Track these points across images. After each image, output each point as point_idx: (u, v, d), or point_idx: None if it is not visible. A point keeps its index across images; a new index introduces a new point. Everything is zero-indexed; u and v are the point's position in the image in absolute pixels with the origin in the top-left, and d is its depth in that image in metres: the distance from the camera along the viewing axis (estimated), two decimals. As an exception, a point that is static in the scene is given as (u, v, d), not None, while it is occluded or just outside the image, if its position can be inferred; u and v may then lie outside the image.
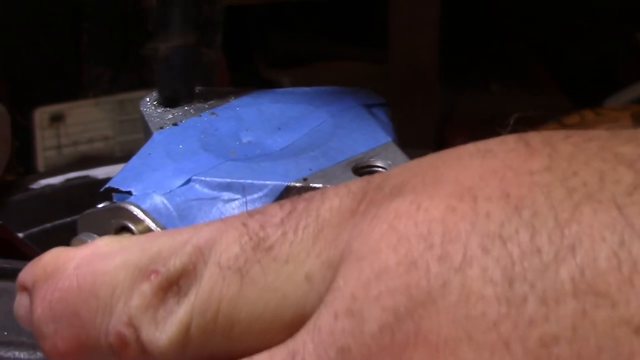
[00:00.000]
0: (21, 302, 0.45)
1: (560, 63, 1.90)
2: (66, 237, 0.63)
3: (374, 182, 0.40)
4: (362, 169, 0.52)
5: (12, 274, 0.65)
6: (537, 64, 1.91)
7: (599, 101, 1.71)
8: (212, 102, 0.61)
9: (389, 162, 0.52)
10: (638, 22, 1.82)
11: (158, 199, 0.50)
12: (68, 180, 0.82)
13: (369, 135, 0.55)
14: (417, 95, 1.69)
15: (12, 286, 0.64)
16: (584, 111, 1.52)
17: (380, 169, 0.52)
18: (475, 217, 0.35)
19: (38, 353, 0.60)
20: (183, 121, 0.58)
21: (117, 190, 0.52)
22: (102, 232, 0.49)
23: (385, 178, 0.39)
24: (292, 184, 0.51)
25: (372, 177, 0.40)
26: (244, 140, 0.56)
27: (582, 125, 1.50)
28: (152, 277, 0.41)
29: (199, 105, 0.60)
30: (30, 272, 0.45)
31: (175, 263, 0.41)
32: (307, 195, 0.41)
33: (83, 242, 0.47)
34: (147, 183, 0.52)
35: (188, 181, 0.52)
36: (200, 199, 0.51)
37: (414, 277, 0.35)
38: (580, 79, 1.85)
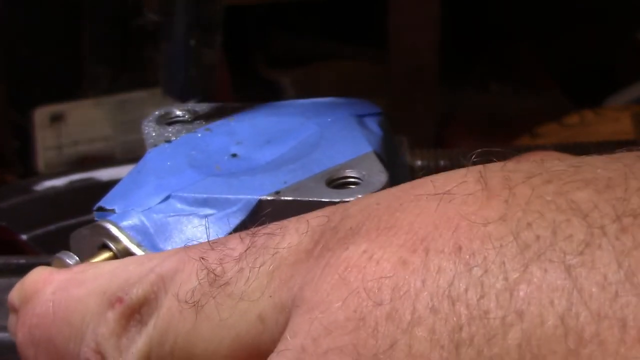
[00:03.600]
0: (11, 321, 0.47)
1: (560, 63, 1.90)
2: (69, 239, 0.62)
3: (333, 220, 0.39)
4: (336, 181, 0.52)
5: (30, 270, 0.65)
6: (537, 64, 1.91)
7: (599, 101, 1.71)
8: (210, 118, 0.62)
9: (364, 173, 0.52)
10: (638, 22, 1.82)
11: (136, 217, 0.51)
12: (71, 182, 0.82)
13: (350, 145, 0.55)
14: (417, 95, 1.69)
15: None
16: (584, 111, 1.52)
17: (353, 180, 0.52)
18: (426, 273, 0.34)
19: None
20: (177, 138, 0.59)
21: (103, 209, 0.53)
22: (86, 250, 0.50)
23: (343, 217, 0.39)
24: (265, 197, 0.51)
25: (333, 212, 0.40)
26: (232, 155, 0.57)
27: (582, 125, 1.50)
28: (116, 305, 0.42)
29: (197, 122, 0.61)
30: (15, 294, 0.46)
31: (138, 291, 0.42)
32: (270, 227, 0.41)
33: (62, 261, 0.48)
34: (130, 200, 0.53)
35: (167, 198, 0.52)
36: (177, 215, 0.52)
37: (362, 336, 0.34)
38: (580, 79, 1.85)
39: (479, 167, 0.38)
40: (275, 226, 0.41)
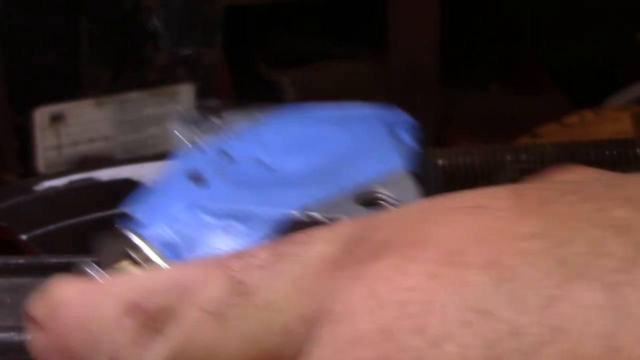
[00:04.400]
0: (34, 337, 0.46)
1: (560, 63, 1.90)
2: (70, 239, 0.63)
3: (362, 230, 0.38)
4: (366, 196, 0.51)
5: (30, 270, 0.65)
6: (537, 64, 1.91)
7: (599, 101, 1.71)
8: (238, 122, 0.61)
9: (394, 190, 0.51)
10: (638, 22, 1.82)
11: (160, 226, 0.51)
12: (71, 182, 0.82)
13: (383, 159, 0.54)
14: (417, 95, 1.69)
15: (29, 282, 0.64)
16: (584, 111, 1.52)
17: (385, 197, 0.51)
18: (458, 287, 0.33)
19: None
20: (204, 142, 0.59)
21: (127, 217, 0.53)
22: (108, 259, 0.50)
23: (374, 228, 0.38)
24: (292, 212, 0.50)
25: (362, 222, 0.39)
26: (261, 164, 0.56)
27: (582, 125, 1.50)
28: (134, 313, 0.41)
29: (224, 127, 0.60)
30: (37, 306, 0.45)
31: (157, 300, 0.41)
32: (296, 237, 0.40)
33: (83, 271, 0.48)
34: (154, 210, 0.52)
35: (192, 208, 0.52)
36: (202, 226, 0.51)
37: (390, 349, 0.33)
38: (580, 79, 1.85)
39: (514, 185, 0.37)
40: (302, 235, 0.40)
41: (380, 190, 0.51)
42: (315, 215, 0.50)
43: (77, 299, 0.44)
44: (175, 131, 0.60)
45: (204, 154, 0.57)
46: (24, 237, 0.74)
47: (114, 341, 0.41)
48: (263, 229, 0.50)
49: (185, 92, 1.27)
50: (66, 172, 0.85)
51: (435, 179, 0.61)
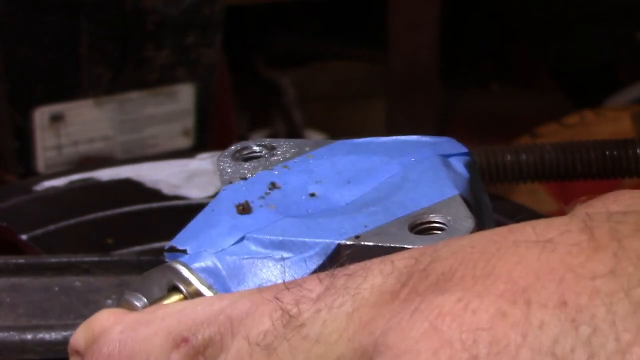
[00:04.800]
0: None
1: (561, 63, 1.90)
2: (70, 239, 0.62)
3: (422, 262, 0.36)
4: (419, 226, 0.49)
5: (29, 270, 0.65)
6: (537, 64, 1.91)
7: (599, 101, 1.71)
8: (288, 154, 0.59)
9: (449, 218, 0.49)
10: (638, 22, 1.82)
11: (208, 259, 0.49)
12: (71, 182, 0.81)
13: (435, 188, 0.52)
14: (417, 95, 1.69)
15: (29, 281, 0.64)
16: (584, 111, 1.52)
17: (439, 226, 0.49)
18: (528, 327, 0.31)
19: (63, 333, 0.60)
20: (253, 175, 0.57)
21: (175, 249, 0.51)
22: (156, 292, 0.49)
23: (433, 260, 0.36)
24: (344, 242, 0.48)
25: (421, 254, 0.37)
26: (311, 194, 0.55)
27: (582, 125, 1.50)
28: (181, 346, 0.41)
29: (274, 159, 0.59)
30: (81, 336, 0.45)
31: (205, 333, 0.40)
32: (351, 268, 0.39)
33: (130, 303, 0.47)
34: (202, 241, 0.51)
35: (242, 239, 0.50)
36: (251, 257, 0.50)
37: None
38: (580, 79, 1.85)
39: (583, 214, 0.35)
40: (357, 267, 0.39)
41: (433, 217, 0.49)
42: (368, 244, 0.48)
43: (123, 331, 0.43)
44: (222, 165, 0.59)
45: (253, 186, 0.56)
46: (24, 237, 0.74)
47: None
48: (314, 260, 0.49)
49: (185, 92, 1.27)
50: (66, 172, 0.85)
51: (488, 206, 0.58)
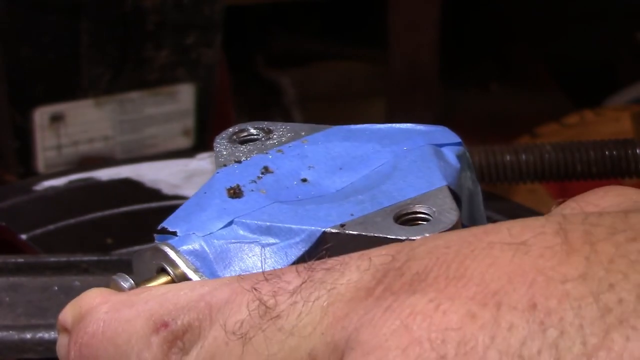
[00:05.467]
0: (61, 342, 0.46)
1: (561, 63, 1.90)
2: (70, 239, 0.62)
3: (398, 260, 0.37)
4: (404, 216, 0.49)
5: (28, 269, 0.65)
6: (537, 64, 1.91)
7: (599, 101, 1.71)
8: (284, 138, 0.59)
9: (434, 210, 0.49)
10: (638, 22, 1.82)
11: (196, 242, 0.50)
12: (71, 182, 0.81)
13: (423, 178, 0.52)
14: (417, 95, 1.69)
15: (28, 281, 0.64)
16: (584, 111, 1.52)
17: (422, 216, 0.49)
18: (496, 329, 0.32)
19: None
20: (248, 159, 0.57)
21: (165, 231, 0.51)
22: (145, 272, 0.50)
23: (409, 258, 0.37)
24: (329, 230, 0.49)
25: (398, 251, 0.38)
26: (303, 180, 0.55)
27: (582, 125, 1.50)
28: (160, 330, 0.41)
29: (269, 143, 0.59)
30: (69, 313, 0.45)
31: (184, 319, 0.41)
32: (329, 262, 0.39)
33: (117, 284, 0.48)
34: (192, 224, 0.51)
35: (230, 223, 0.51)
36: (238, 242, 0.50)
37: None
38: (580, 79, 1.85)
39: (559, 217, 0.35)
40: (335, 261, 0.39)
41: (419, 207, 0.49)
42: (352, 232, 0.48)
43: (108, 311, 0.43)
44: (218, 147, 0.59)
45: (246, 169, 0.56)
46: (23, 236, 0.74)
47: (140, 357, 0.41)
48: (299, 246, 0.49)
49: (185, 92, 1.27)
50: (66, 172, 0.85)
51: (479, 199, 0.57)
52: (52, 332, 0.61)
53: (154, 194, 0.81)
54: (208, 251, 0.50)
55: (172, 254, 0.49)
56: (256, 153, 0.58)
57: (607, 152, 0.79)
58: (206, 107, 1.29)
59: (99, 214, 0.78)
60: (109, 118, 1.25)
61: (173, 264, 0.49)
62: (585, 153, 0.79)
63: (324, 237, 0.49)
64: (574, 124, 1.51)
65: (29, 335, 0.60)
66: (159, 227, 0.51)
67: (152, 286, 0.45)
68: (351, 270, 0.38)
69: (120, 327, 0.42)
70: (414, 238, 0.46)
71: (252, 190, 0.54)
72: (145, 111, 1.26)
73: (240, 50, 1.70)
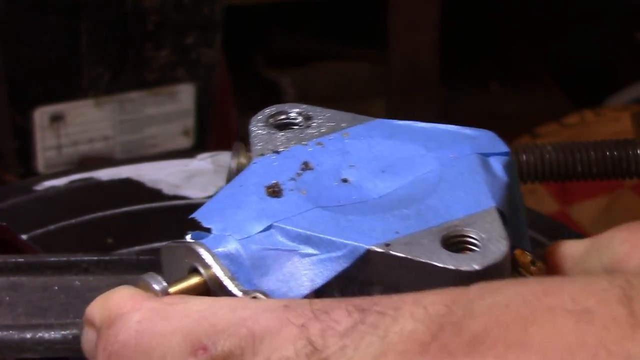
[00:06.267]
0: (88, 336, 0.45)
1: (561, 63, 1.90)
2: (70, 239, 0.62)
3: (455, 313, 0.36)
4: (452, 239, 0.48)
5: (28, 269, 0.65)
6: (537, 64, 1.91)
7: (599, 101, 1.71)
8: (324, 128, 0.57)
9: (483, 237, 0.47)
10: (638, 22, 1.82)
11: (232, 245, 0.48)
12: (71, 182, 0.81)
13: (471, 195, 0.50)
14: (417, 95, 1.69)
15: (28, 280, 0.64)
16: (584, 111, 1.52)
17: (472, 241, 0.47)
18: None
19: (62, 332, 0.60)
20: (286, 149, 0.55)
21: (199, 227, 0.49)
22: (175, 269, 0.48)
23: (467, 314, 0.35)
24: (373, 248, 0.47)
25: (454, 301, 0.36)
26: (343, 180, 0.53)
27: (582, 125, 1.50)
28: (199, 353, 0.40)
29: (308, 132, 0.57)
30: (97, 310, 0.44)
31: (225, 344, 0.39)
32: (382, 303, 0.38)
33: (148, 285, 0.46)
34: (228, 222, 0.49)
35: (269, 227, 0.49)
36: (277, 249, 0.48)
37: None
38: (580, 79, 1.85)
39: (622, 279, 0.34)
40: (388, 304, 0.38)
41: (468, 231, 0.48)
42: (398, 254, 0.46)
43: (141, 321, 0.42)
44: (254, 131, 0.56)
45: (285, 162, 0.54)
46: (24, 236, 0.74)
47: None
48: (341, 262, 0.47)
49: (185, 92, 1.27)
50: (66, 172, 0.85)
51: (523, 208, 0.56)
52: (52, 332, 0.61)
53: (154, 194, 0.81)
54: (244, 256, 0.48)
55: (206, 256, 0.47)
56: (295, 143, 0.56)
57: (607, 153, 0.79)
58: (206, 107, 1.29)
59: (99, 214, 0.78)
60: (109, 118, 1.25)
61: (206, 267, 0.47)
62: (585, 153, 0.79)
63: (367, 254, 0.47)
64: (574, 124, 1.51)
65: (29, 335, 0.60)
66: (192, 217, 0.49)
67: (188, 297, 0.44)
68: (405, 317, 0.36)
69: (154, 341, 0.41)
70: (464, 269, 0.44)
71: (292, 190, 0.52)
72: (145, 111, 1.26)
73: (240, 50, 1.70)
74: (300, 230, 0.49)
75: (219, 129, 1.34)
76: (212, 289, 0.47)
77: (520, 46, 1.93)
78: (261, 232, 0.49)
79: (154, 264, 0.66)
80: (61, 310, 0.62)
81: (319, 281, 0.47)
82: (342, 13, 1.90)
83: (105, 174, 0.81)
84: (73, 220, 0.75)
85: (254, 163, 0.54)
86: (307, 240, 0.49)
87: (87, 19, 1.17)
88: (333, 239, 0.48)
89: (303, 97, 1.77)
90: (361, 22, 1.87)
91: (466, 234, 0.48)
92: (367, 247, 0.47)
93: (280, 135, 0.56)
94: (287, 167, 0.53)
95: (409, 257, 0.46)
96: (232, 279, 0.46)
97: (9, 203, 0.79)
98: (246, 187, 0.52)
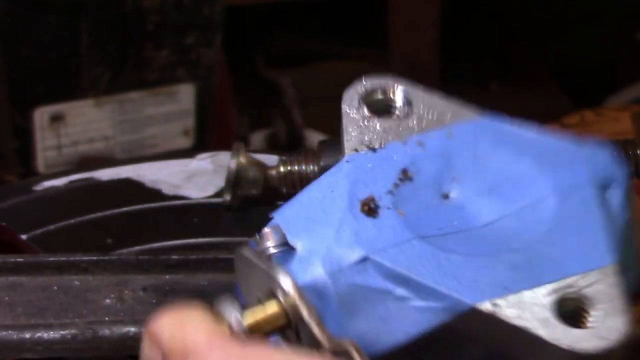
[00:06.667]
0: (151, 354, 0.43)
1: (561, 63, 1.90)
2: (69, 239, 0.62)
3: None
4: (567, 304, 0.43)
5: (28, 269, 0.64)
6: (537, 64, 1.91)
7: (599, 101, 1.71)
8: (425, 121, 0.51)
9: (599, 309, 0.43)
10: (638, 22, 1.82)
11: (321, 275, 0.44)
12: (71, 182, 0.81)
13: (588, 247, 0.45)
14: (417, 95, 1.69)
15: (27, 280, 0.64)
16: (584, 111, 1.52)
17: (588, 310, 0.43)
18: None
19: (61, 332, 0.60)
20: (383, 146, 0.50)
21: (281, 231, 0.46)
22: (252, 287, 0.44)
23: None
24: (479, 306, 0.43)
25: None
26: (444, 196, 0.48)
27: (582, 125, 1.50)
28: None
29: (409, 123, 0.51)
30: (168, 333, 0.42)
31: None
32: None
33: (223, 315, 0.42)
34: (317, 241, 0.45)
35: (363, 259, 0.44)
36: (369, 288, 0.44)
37: None
38: (580, 79, 1.85)
39: None
40: None
41: (584, 297, 0.43)
42: (506, 320, 0.42)
43: None
44: (347, 109, 0.51)
45: (382, 167, 0.49)
46: (23, 236, 0.74)
47: None
48: (439, 315, 0.43)
49: (185, 92, 1.27)
50: (66, 172, 0.85)
51: (633, 234, 0.50)
52: (51, 332, 0.61)
53: (154, 194, 0.81)
54: (332, 291, 0.44)
55: (290, 286, 0.42)
56: (392, 138, 0.51)
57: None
58: (206, 107, 1.29)
59: (99, 214, 0.77)
60: (109, 118, 1.25)
61: (288, 297, 0.42)
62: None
63: (472, 312, 0.43)
64: (574, 124, 1.51)
65: (28, 335, 0.60)
66: (275, 218, 0.45)
67: (267, 347, 0.41)
68: None
69: None
70: (577, 349, 0.41)
71: (389, 208, 0.47)
72: (145, 111, 1.26)
73: (240, 50, 1.70)
74: (399, 270, 0.44)
75: (219, 129, 1.34)
76: (292, 320, 0.43)
77: (520, 46, 1.93)
78: (355, 263, 0.44)
79: (153, 264, 0.66)
80: (60, 310, 0.62)
81: (414, 332, 0.43)
82: (342, 13, 1.89)
83: (105, 174, 0.81)
84: (73, 220, 0.75)
85: (347, 162, 0.49)
86: (403, 282, 0.44)
87: (87, 19, 1.17)
88: (434, 287, 0.44)
89: (303, 97, 1.77)
90: (361, 22, 1.87)
91: (582, 299, 0.43)
92: (472, 304, 0.43)
93: (377, 123, 0.51)
94: (384, 173, 0.48)
95: (518, 325, 0.42)
96: (319, 322, 0.42)
97: (9, 203, 0.79)
98: (338, 195, 0.47)
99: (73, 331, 0.60)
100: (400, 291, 0.44)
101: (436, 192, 0.49)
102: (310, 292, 0.43)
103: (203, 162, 0.85)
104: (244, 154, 0.54)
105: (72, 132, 1.24)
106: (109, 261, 0.65)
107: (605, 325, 0.42)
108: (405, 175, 0.49)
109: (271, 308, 0.43)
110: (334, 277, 0.44)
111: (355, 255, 0.44)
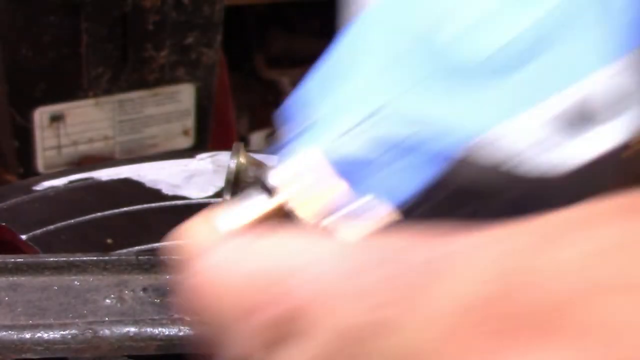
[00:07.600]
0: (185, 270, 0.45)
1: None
2: (69, 239, 0.62)
3: (514, 281, 0.30)
4: (574, 120, 0.39)
5: (28, 269, 0.65)
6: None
7: (599, 101, 1.71)
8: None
9: (610, 109, 0.38)
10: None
11: (329, 138, 0.43)
12: (71, 182, 0.82)
13: (592, 44, 0.39)
14: (417, 95, 1.69)
15: (27, 280, 0.64)
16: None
17: (597, 117, 0.38)
18: None
19: (61, 332, 0.60)
20: None
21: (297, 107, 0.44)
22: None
23: (528, 283, 0.30)
24: (477, 147, 0.39)
25: (517, 259, 0.31)
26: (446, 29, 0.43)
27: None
28: (265, 311, 0.39)
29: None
30: (185, 245, 0.45)
31: (294, 302, 0.38)
32: (449, 248, 0.35)
33: (224, 215, 0.44)
34: (332, 103, 0.44)
35: (375, 113, 0.43)
36: (376, 152, 0.42)
37: None
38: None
39: None
40: (454, 249, 0.35)
41: (595, 106, 0.38)
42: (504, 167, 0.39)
43: (218, 264, 0.42)
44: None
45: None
46: (23, 236, 0.74)
47: (245, 336, 0.40)
48: (438, 160, 0.40)
49: (185, 92, 1.27)
50: (66, 172, 0.85)
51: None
52: (51, 332, 0.61)
53: (154, 194, 0.81)
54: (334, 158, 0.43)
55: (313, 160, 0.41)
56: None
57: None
58: (206, 107, 1.29)
59: (99, 214, 0.78)
60: (109, 118, 1.25)
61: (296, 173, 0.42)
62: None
63: (472, 145, 0.39)
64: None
65: (28, 335, 0.60)
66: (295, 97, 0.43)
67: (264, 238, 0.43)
68: (463, 276, 0.33)
69: (228, 290, 0.41)
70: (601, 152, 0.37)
71: (399, 55, 0.44)
72: (145, 111, 1.26)
73: (240, 50, 1.70)
74: (410, 118, 0.42)
75: (218, 129, 1.34)
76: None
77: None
78: (362, 121, 0.43)
79: (153, 264, 0.66)
80: (60, 310, 0.62)
81: (427, 176, 0.41)
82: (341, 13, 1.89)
83: (105, 174, 0.81)
84: (72, 220, 0.75)
85: (367, 11, 0.45)
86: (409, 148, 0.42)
87: (87, 19, 1.17)
88: (439, 123, 0.41)
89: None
90: (361, 22, 1.87)
91: (588, 107, 0.39)
92: (473, 140, 0.40)
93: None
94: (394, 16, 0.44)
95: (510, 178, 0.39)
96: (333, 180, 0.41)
97: (9, 203, 0.79)
98: (354, 49, 0.44)
99: (73, 331, 0.60)
100: (408, 154, 0.42)
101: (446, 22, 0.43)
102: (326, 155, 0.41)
103: (203, 162, 0.85)
104: (244, 154, 0.55)
105: (72, 132, 1.23)
106: (109, 261, 0.65)
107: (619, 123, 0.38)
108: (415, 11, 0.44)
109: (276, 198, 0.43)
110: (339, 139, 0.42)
111: (366, 107, 0.42)
